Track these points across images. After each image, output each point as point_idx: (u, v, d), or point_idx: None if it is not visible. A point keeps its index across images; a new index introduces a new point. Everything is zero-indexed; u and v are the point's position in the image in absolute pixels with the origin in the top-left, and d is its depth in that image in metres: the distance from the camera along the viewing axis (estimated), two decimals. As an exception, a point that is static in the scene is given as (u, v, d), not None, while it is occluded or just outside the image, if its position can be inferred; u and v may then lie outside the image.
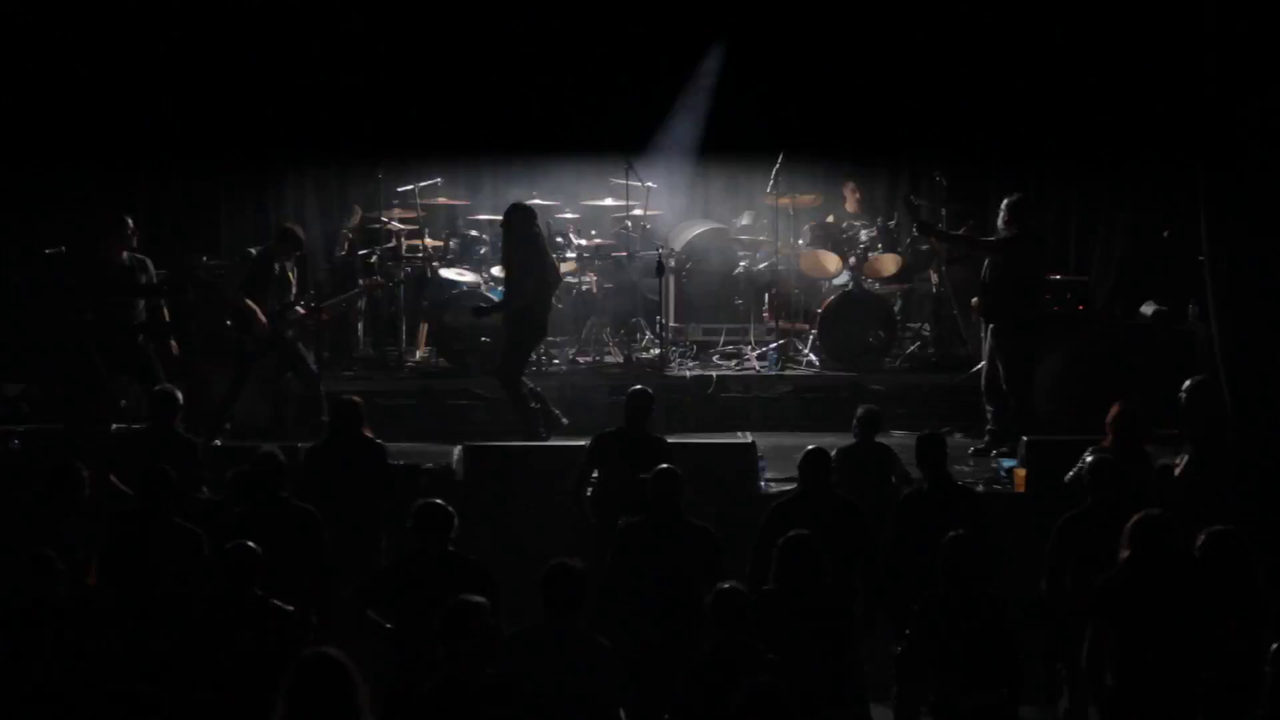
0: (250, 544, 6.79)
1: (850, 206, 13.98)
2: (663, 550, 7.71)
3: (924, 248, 13.91)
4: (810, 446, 8.54)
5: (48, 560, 6.81)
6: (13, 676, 6.55)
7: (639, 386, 9.54)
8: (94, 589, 7.58)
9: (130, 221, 11.36)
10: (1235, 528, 7.02)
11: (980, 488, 10.19)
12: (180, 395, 9.64)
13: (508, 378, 11.50)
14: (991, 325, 11.50)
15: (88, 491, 8.16)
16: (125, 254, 11.36)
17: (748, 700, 5.43)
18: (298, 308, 11.49)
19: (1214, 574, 6.84)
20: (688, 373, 12.92)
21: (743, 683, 5.54)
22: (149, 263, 11.64)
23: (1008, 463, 10.74)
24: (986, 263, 11.49)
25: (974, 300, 11.88)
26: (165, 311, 11.81)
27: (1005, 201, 11.38)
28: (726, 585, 6.56)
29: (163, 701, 4.98)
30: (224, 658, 6.52)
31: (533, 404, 11.58)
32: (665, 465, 8.03)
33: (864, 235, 13.36)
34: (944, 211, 13.41)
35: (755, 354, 13.30)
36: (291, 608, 6.75)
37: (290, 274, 11.62)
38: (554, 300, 13.31)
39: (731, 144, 13.44)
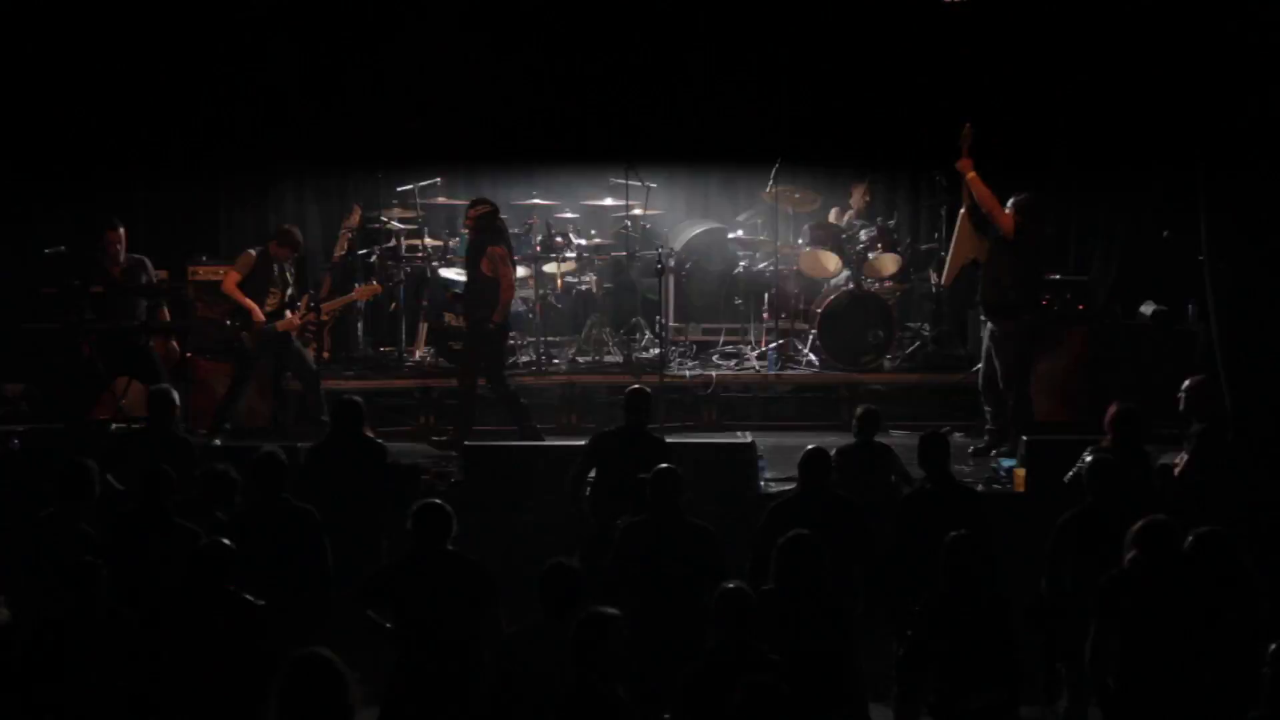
0: (224, 540, 6.80)
1: (855, 203, 13.93)
2: (663, 550, 7.70)
3: (924, 248, 13.93)
4: (810, 446, 8.54)
5: (92, 569, 6.75)
6: (47, 684, 6.51)
7: (637, 386, 9.55)
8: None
9: (121, 229, 11.40)
10: (1223, 528, 7.01)
11: (980, 488, 10.20)
12: (177, 395, 9.65)
13: (502, 382, 11.51)
14: (990, 325, 11.49)
15: (98, 490, 8.16)
16: (122, 257, 11.40)
17: (748, 699, 5.42)
18: (287, 312, 11.48)
19: (1203, 575, 6.84)
20: (688, 373, 12.92)
21: (744, 682, 5.54)
22: (148, 263, 11.65)
23: (1007, 463, 10.74)
24: (989, 258, 11.44)
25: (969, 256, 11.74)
26: (165, 311, 11.83)
27: (1012, 201, 11.34)
28: (731, 585, 6.54)
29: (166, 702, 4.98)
30: (196, 653, 6.51)
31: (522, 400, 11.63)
32: (665, 464, 8.03)
33: (864, 235, 13.37)
34: (943, 211, 13.41)
35: (755, 354, 13.30)
36: (262, 602, 6.74)
37: (289, 275, 11.62)
38: (555, 300, 13.39)
39: (731, 146, 13.45)
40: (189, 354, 11.83)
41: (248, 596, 6.71)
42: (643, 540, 7.76)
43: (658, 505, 7.82)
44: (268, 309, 11.40)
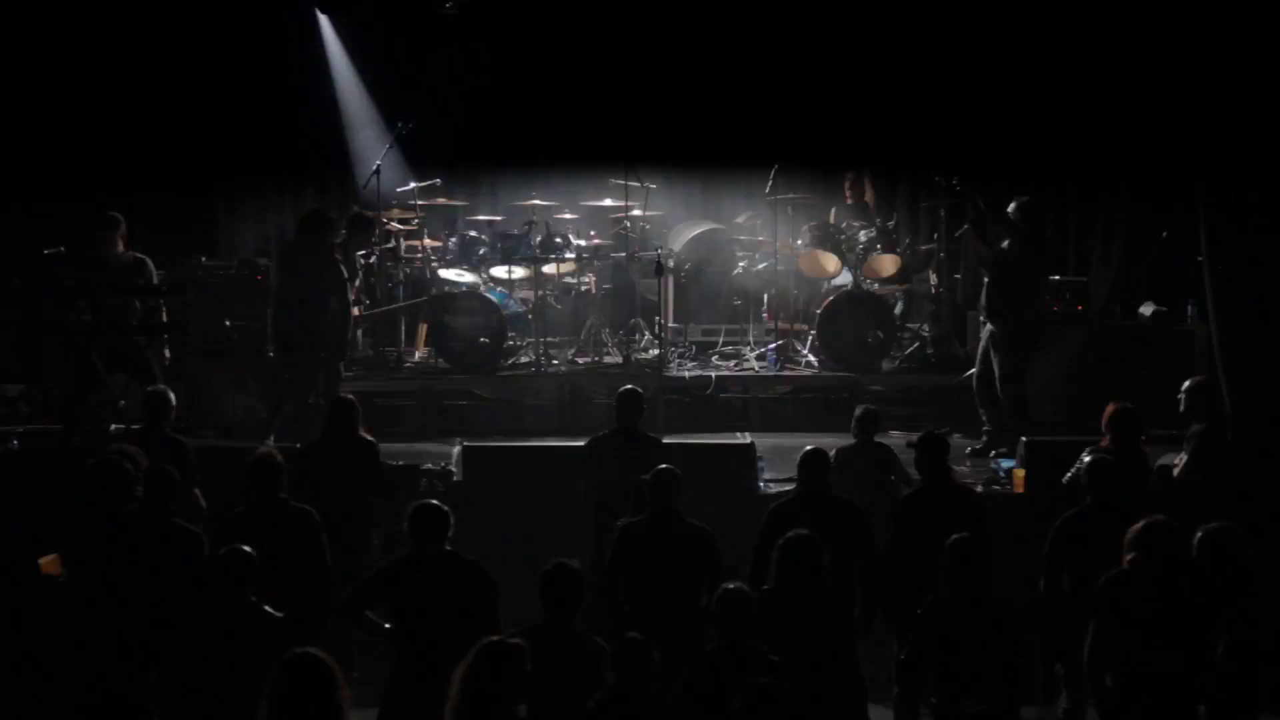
0: (245, 548, 6.77)
1: (848, 199, 13.91)
2: (661, 550, 7.70)
3: (924, 248, 13.92)
4: (809, 447, 8.53)
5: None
6: None
7: (629, 386, 9.54)
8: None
9: (121, 220, 11.37)
10: (1232, 525, 7.02)
11: (980, 488, 10.18)
12: (173, 396, 9.62)
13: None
14: (990, 325, 11.47)
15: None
16: (126, 253, 11.37)
17: (748, 701, 5.42)
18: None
19: (1211, 572, 6.84)
20: (687, 373, 12.91)
21: (744, 683, 5.53)
22: (149, 263, 11.62)
23: (1006, 463, 10.73)
24: (994, 261, 11.43)
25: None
26: (164, 312, 11.81)
27: (1014, 204, 11.33)
28: (731, 586, 6.54)
29: (151, 706, 4.97)
30: (215, 662, 6.49)
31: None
32: (664, 466, 8.02)
33: (863, 235, 13.35)
34: (943, 212, 13.41)
35: (754, 354, 13.29)
36: (281, 614, 6.71)
37: (358, 266, 11.50)
38: (554, 301, 13.38)
39: (730, 147, 13.45)
40: (186, 355, 11.84)
41: (268, 609, 6.67)
42: (641, 541, 7.76)
43: (657, 506, 7.82)
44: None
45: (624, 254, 13.39)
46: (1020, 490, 10.17)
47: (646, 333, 13.48)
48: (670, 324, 13.46)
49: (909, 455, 9.07)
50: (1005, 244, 11.31)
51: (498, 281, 13.16)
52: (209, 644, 6.55)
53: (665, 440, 9.69)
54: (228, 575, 6.70)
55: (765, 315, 13.54)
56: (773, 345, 13.14)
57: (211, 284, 12.31)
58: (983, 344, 11.56)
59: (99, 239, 11.25)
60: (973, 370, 11.92)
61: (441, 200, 13.75)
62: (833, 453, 8.79)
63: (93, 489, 8.03)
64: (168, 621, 6.83)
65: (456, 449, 10.59)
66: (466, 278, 13.11)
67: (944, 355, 13.31)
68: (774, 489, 9.98)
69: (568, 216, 13.67)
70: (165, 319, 11.78)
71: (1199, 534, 6.96)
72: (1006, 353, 11.25)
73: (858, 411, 9.54)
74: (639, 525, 7.84)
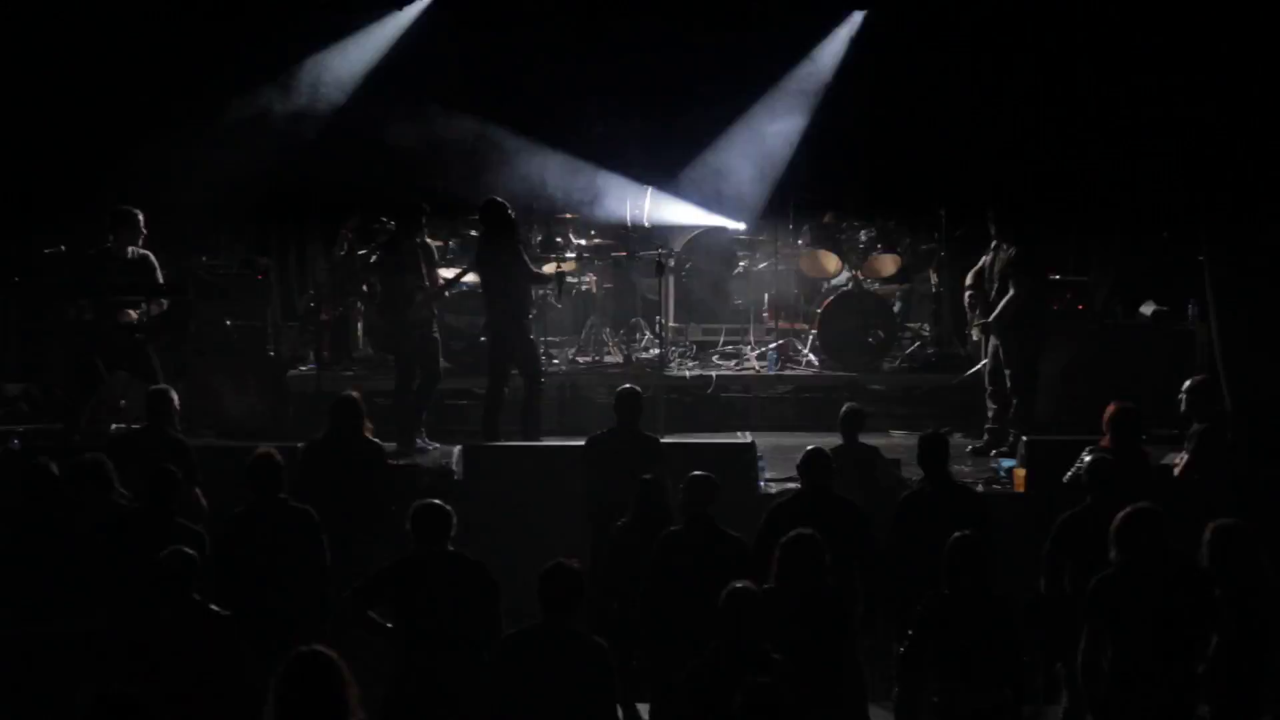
0: (186, 550, 6.69)
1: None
2: (704, 560, 7.58)
3: (924, 248, 13.92)
4: (810, 447, 8.52)
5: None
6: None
7: (627, 385, 9.53)
8: None
9: (140, 216, 11.35)
10: (1242, 522, 7.01)
11: (980, 488, 10.18)
12: (175, 396, 9.61)
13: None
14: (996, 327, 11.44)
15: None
16: (131, 250, 11.36)
17: (748, 700, 5.42)
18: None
19: (1216, 568, 6.83)
20: (688, 373, 12.91)
21: (745, 682, 5.53)
22: (152, 259, 11.62)
23: (1007, 463, 10.73)
24: (995, 269, 11.42)
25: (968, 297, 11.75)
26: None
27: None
28: (739, 585, 6.49)
29: (151, 706, 4.93)
30: (165, 664, 6.37)
31: None
32: (701, 474, 7.93)
33: (863, 235, 13.37)
34: (942, 213, 13.38)
35: (755, 354, 13.29)
36: (228, 613, 6.67)
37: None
38: (554, 300, 13.37)
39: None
40: (187, 354, 11.85)
41: (214, 607, 6.63)
42: (683, 551, 7.66)
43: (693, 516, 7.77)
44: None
45: (624, 253, 13.39)
46: (1020, 490, 10.17)
47: (647, 332, 13.48)
48: (671, 323, 13.46)
49: (910, 455, 9.06)
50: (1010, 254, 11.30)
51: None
52: (158, 646, 6.47)
53: (665, 440, 9.69)
54: (171, 578, 6.64)
55: (766, 315, 13.54)
56: (773, 345, 13.14)
57: (212, 283, 12.30)
58: (992, 344, 11.50)
59: (113, 233, 11.23)
60: (975, 369, 11.93)
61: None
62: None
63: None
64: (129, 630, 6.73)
65: (457, 449, 10.59)
66: (468, 277, 13.08)
67: (944, 355, 13.32)
68: (775, 488, 9.98)
69: (568, 216, 13.67)
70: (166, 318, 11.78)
71: (1210, 529, 6.94)
72: (1018, 362, 11.24)
73: (842, 411, 9.54)
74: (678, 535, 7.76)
